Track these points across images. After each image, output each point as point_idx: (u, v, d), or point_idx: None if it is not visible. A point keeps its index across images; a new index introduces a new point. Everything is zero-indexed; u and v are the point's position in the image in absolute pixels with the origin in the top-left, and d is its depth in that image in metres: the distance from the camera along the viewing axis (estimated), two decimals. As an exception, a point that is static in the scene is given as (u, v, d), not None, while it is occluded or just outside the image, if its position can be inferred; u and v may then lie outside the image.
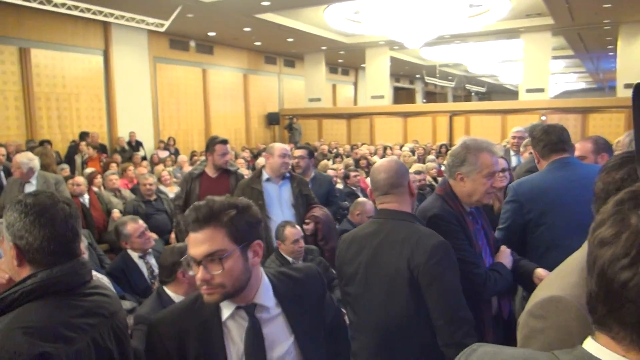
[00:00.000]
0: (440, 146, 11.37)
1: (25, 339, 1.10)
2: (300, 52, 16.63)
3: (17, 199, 1.26)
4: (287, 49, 16.15)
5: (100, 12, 10.01)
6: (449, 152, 2.16)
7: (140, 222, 3.38)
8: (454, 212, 2.05)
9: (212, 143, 4.11)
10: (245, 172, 6.20)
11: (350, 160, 8.49)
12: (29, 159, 4.67)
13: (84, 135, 9.89)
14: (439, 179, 6.56)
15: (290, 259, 3.29)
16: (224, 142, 4.05)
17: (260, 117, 16.59)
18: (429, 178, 6.41)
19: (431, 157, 8.93)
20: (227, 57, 14.87)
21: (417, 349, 1.82)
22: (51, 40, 9.99)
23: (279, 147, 3.80)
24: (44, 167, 5.28)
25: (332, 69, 19.94)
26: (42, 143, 8.33)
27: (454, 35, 13.58)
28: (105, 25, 10.85)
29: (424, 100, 25.93)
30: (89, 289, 1.31)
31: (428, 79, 22.54)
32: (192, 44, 13.50)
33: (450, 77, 24.43)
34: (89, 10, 9.75)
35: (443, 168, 8.44)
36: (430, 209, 2.07)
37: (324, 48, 15.92)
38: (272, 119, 16.67)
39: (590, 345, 0.72)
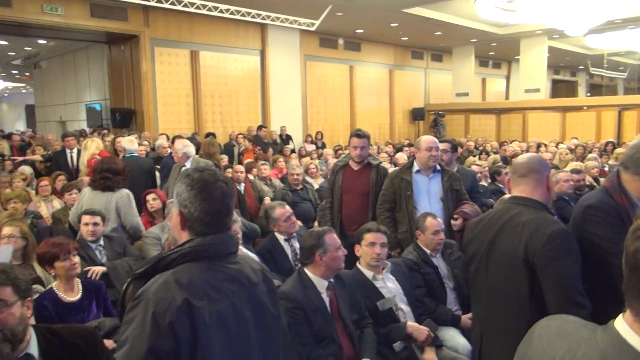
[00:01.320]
0: (606, 144, 10.18)
1: (179, 291, 1.30)
2: (449, 45, 16.15)
3: (187, 173, 1.46)
4: (435, 43, 15.80)
5: (259, 15, 10.86)
6: (631, 144, 1.98)
7: (287, 207, 3.64)
8: (617, 205, 1.91)
9: (350, 135, 4.23)
10: (388, 167, 6.25)
11: (497, 157, 8.06)
12: (184, 145, 5.33)
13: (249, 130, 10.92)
14: (601, 179, 5.91)
15: (428, 251, 3.26)
16: (358, 135, 4.12)
17: (405, 113, 16.49)
18: (589, 178, 5.81)
19: (592, 155, 8.06)
20: (373, 53, 15.05)
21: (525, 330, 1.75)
22: (217, 43, 11.08)
23: (425, 140, 3.80)
24: (210, 155, 5.94)
25: (482, 62, 19.01)
26: (208, 135, 9.34)
27: (627, 19, 12.04)
28: (263, 27, 11.70)
29: (588, 94, 23.42)
30: (234, 259, 1.48)
31: (594, 70, 20.31)
32: (341, 41, 13.92)
33: (621, 67, 21.70)
34: (248, 14, 10.63)
35: (607, 168, 7.58)
36: (587, 199, 2.03)
37: (473, 40, 15.25)
38: (416, 115, 16.48)
39: (618, 322, 0.90)
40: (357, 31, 13.31)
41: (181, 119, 10.67)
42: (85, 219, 3.53)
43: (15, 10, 8.25)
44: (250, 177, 6.37)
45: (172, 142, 7.13)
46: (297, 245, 3.61)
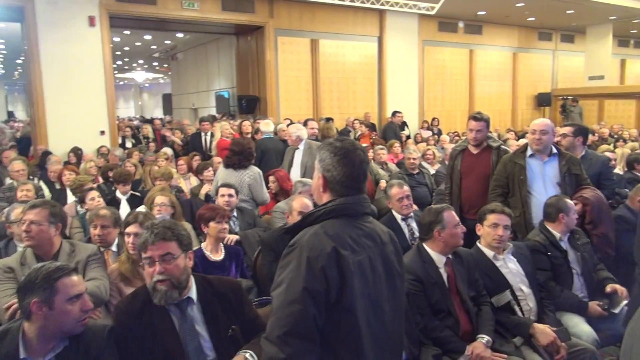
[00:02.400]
0: None
1: (328, 240, 1.51)
2: (582, 24, 14.83)
3: (330, 142, 1.67)
4: (566, 23, 14.62)
5: (378, 1, 10.93)
6: None
7: (405, 188, 3.74)
8: None
9: (468, 118, 4.19)
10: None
11: (636, 145, 7.37)
12: (297, 129, 5.82)
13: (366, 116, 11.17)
14: None
15: (557, 235, 3.16)
16: (475, 118, 4.06)
17: (529, 98, 15.54)
18: None
19: None
20: (496, 36, 14.35)
21: None
22: (335, 30, 11.36)
23: (533, 123, 3.77)
24: (326, 138, 6.26)
25: (622, 41, 17.21)
26: (328, 120, 9.72)
27: None
28: (381, 13, 11.74)
29: None
30: (368, 219, 1.67)
31: None
32: (461, 24, 13.48)
33: None
34: (368, 0, 10.75)
35: None
36: None
37: (612, 18, 13.87)
38: (542, 100, 15.43)
39: None
40: (479, 13, 12.79)
41: (301, 105, 11.15)
42: (222, 191, 3.99)
43: (159, 8, 9.19)
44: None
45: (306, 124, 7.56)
46: (414, 225, 3.70)
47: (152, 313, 2.00)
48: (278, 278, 1.53)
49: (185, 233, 2.11)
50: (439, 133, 11.47)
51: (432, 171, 6.47)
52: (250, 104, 10.95)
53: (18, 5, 7.92)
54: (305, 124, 6.87)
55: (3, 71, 23.83)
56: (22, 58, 16.99)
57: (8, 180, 6.18)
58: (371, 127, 10.71)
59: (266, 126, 6.82)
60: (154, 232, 2.01)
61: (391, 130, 10.50)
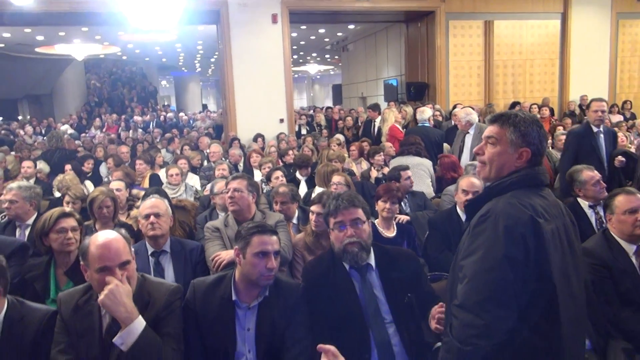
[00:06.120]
0: None
1: (522, 209, 1.53)
2: None
3: (535, 118, 1.70)
4: None
5: (562, -26, 9.97)
6: None
7: (596, 172, 3.44)
8: None
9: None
10: None
11: None
12: (467, 114, 5.75)
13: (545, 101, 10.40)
14: None
15: None
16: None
17: None
18: None
19: None
20: None
21: None
22: (513, 10, 10.65)
23: None
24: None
25: None
26: (514, 105, 9.28)
27: None
28: (566, -13, 10.70)
29: None
30: (547, 190, 1.67)
31: None
32: (667, -9, 11.58)
33: None
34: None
35: None
36: None
37: None
38: None
39: None
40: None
41: (471, 91, 10.75)
42: (406, 174, 4.12)
43: (333, 1, 9.63)
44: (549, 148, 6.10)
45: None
46: (602, 213, 3.39)
47: (336, 276, 2.20)
48: (471, 246, 1.55)
49: (365, 204, 2.29)
50: (632, 117, 10.09)
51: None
52: (418, 90, 10.91)
53: (215, 9, 9.02)
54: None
55: (200, 69, 27.27)
56: (216, 56, 19.33)
57: (205, 163, 7.14)
58: (550, 112, 9.90)
59: (420, 114, 6.74)
60: (344, 199, 2.22)
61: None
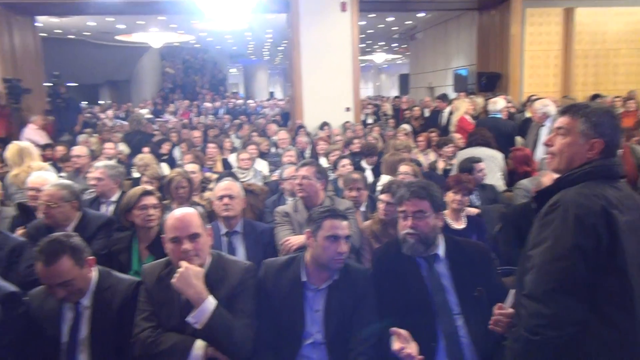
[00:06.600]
0: None
1: (594, 199, 1.50)
2: None
3: (607, 108, 1.68)
4: None
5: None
6: None
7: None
8: None
9: None
10: None
11: None
12: (543, 105, 5.56)
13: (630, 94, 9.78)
14: None
15: None
16: None
17: None
18: None
19: None
20: None
21: None
22: (596, -4, 10.06)
23: None
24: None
25: None
26: (594, 97, 8.82)
27: None
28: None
29: None
30: (622, 182, 1.63)
31: None
32: None
33: None
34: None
35: None
36: None
37: None
38: None
39: None
40: None
41: (547, 82, 10.27)
42: (479, 166, 4.03)
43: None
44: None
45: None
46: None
47: (403, 263, 2.21)
48: (539, 236, 1.55)
49: (438, 195, 2.25)
50: None
51: None
52: (490, 81, 10.54)
53: (286, -2, 9.14)
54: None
55: (268, 57, 27.73)
56: (284, 44, 19.59)
57: (272, 149, 7.30)
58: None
59: (494, 105, 6.50)
60: (410, 189, 2.20)
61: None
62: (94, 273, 2.18)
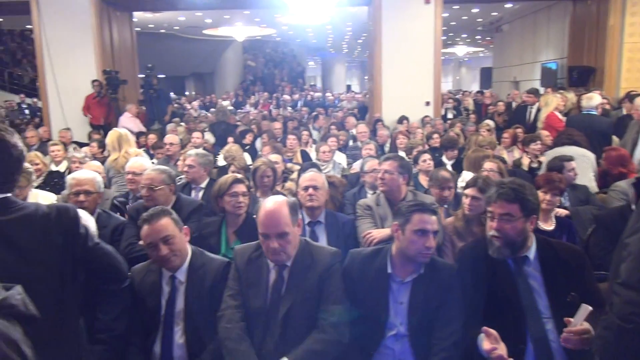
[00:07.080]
0: None
1: None
2: None
3: None
4: None
5: None
6: None
7: None
8: None
9: None
10: None
11: None
12: None
13: None
14: None
15: None
16: None
17: None
18: None
19: None
20: None
21: None
22: None
23: None
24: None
25: None
26: None
27: None
28: None
29: None
30: None
31: None
32: None
33: None
34: None
35: None
36: None
37: None
38: None
39: None
40: None
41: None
42: (570, 165, 3.85)
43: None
44: None
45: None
46: None
47: (492, 262, 2.16)
48: (637, 224, 1.49)
49: (532, 198, 2.12)
50: None
51: None
52: (582, 75, 9.91)
53: (369, -10, 9.12)
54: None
55: (347, 50, 27.78)
56: (363, 37, 19.52)
57: (351, 142, 7.34)
58: None
59: (589, 100, 6.06)
60: (500, 191, 2.12)
61: None
62: (189, 248, 2.34)
